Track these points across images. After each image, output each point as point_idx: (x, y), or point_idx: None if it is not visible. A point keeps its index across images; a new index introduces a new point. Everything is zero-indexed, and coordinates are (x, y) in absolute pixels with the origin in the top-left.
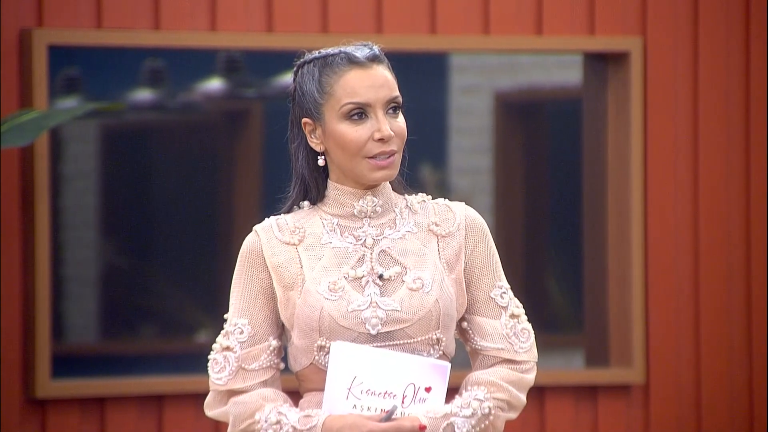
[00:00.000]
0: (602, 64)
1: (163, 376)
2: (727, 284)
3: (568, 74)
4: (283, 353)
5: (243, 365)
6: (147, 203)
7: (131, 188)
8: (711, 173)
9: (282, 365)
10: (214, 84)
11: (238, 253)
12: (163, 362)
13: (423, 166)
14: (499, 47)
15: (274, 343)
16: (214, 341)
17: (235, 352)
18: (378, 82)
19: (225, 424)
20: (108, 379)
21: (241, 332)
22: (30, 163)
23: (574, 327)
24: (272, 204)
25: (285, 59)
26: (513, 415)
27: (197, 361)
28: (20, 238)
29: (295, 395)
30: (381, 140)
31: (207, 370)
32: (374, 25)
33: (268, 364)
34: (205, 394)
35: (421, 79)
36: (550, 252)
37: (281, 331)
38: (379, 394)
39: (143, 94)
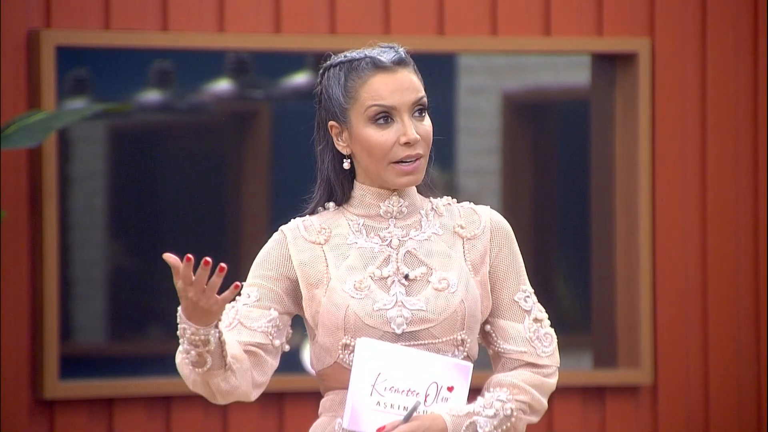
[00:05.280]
0: (610, 65)
1: (171, 377)
2: (735, 285)
3: (576, 75)
4: (285, 334)
5: (241, 320)
6: (155, 204)
7: (139, 189)
8: (719, 174)
9: (287, 348)
10: (222, 85)
11: (246, 253)
12: (171, 363)
13: (430, 167)
14: (506, 48)
15: (275, 314)
16: None
17: (236, 309)
18: (403, 86)
19: (233, 424)
20: (116, 380)
21: (248, 296)
22: (38, 164)
23: (581, 328)
24: (281, 204)
25: (293, 60)
26: (535, 418)
27: None
28: (28, 239)
29: (316, 396)
30: (407, 144)
31: None
32: (382, 26)
33: (266, 329)
34: None
35: (429, 80)
36: (558, 253)
37: (288, 318)
38: (403, 391)
39: (151, 95)
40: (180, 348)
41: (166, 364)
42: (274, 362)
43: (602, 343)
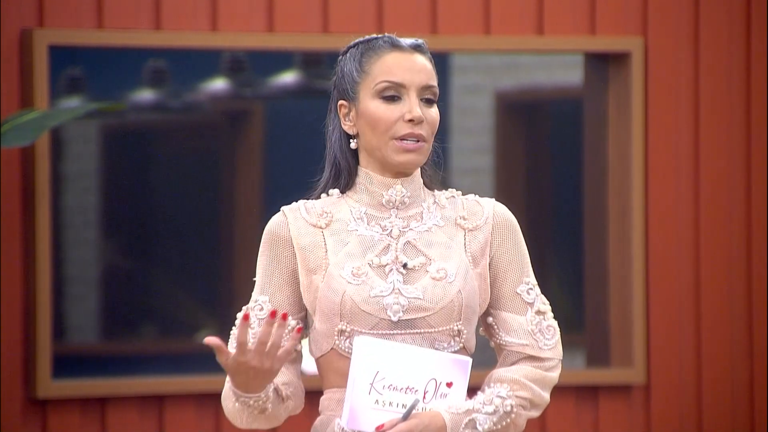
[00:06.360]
0: (603, 64)
1: (164, 376)
2: (728, 284)
3: (569, 74)
4: (304, 335)
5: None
6: (148, 203)
7: (132, 188)
8: (712, 173)
9: (301, 347)
10: (217, 84)
11: (239, 252)
12: (164, 362)
13: (439, 167)
14: (500, 47)
15: (293, 322)
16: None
17: (253, 329)
18: (416, 67)
19: (226, 423)
20: (109, 379)
21: (261, 309)
22: (31, 163)
23: (575, 327)
24: (273, 203)
25: (286, 59)
26: (535, 413)
27: (198, 361)
28: (21, 238)
29: (309, 395)
30: (411, 121)
31: (207, 371)
32: (375, 25)
33: (286, 342)
34: (205, 395)
35: None
36: (551, 252)
37: (303, 314)
38: (401, 389)
39: (145, 95)
40: (231, 397)
41: (159, 364)
42: (300, 364)
43: (595, 342)
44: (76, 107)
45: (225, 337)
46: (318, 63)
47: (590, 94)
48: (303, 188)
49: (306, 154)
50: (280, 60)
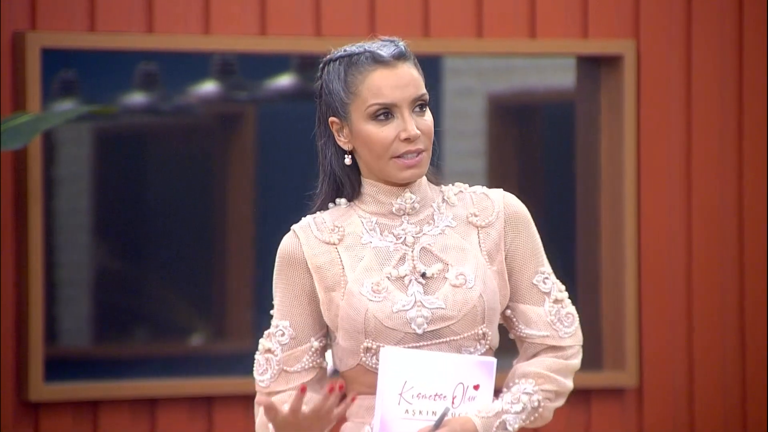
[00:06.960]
0: (595, 68)
1: (156, 380)
2: (720, 287)
3: (562, 77)
4: (326, 347)
5: (285, 368)
6: (140, 206)
7: (125, 191)
8: (704, 176)
9: (326, 364)
10: (208, 87)
11: (231, 255)
12: (156, 365)
13: (435, 158)
14: (492, 50)
15: (316, 344)
16: (258, 343)
17: (276, 355)
18: (403, 82)
19: (218, 426)
20: (101, 383)
21: (283, 334)
22: (23, 166)
23: None
24: (266, 206)
25: (278, 62)
26: (560, 403)
27: (190, 365)
28: (13, 241)
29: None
30: (407, 140)
31: (199, 374)
32: (368, 28)
33: (311, 364)
34: (197, 398)
35: None
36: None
37: (325, 331)
38: (430, 396)
39: (137, 98)
40: None
41: (151, 367)
42: (323, 371)
43: (587, 345)
44: (68, 110)
45: (220, 338)
46: (313, 66)
47: (582, 97)
48: (295, 192)
49: (298, 158)
50: (273, 63)
